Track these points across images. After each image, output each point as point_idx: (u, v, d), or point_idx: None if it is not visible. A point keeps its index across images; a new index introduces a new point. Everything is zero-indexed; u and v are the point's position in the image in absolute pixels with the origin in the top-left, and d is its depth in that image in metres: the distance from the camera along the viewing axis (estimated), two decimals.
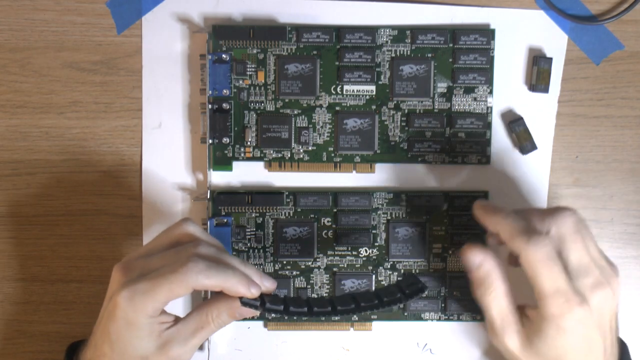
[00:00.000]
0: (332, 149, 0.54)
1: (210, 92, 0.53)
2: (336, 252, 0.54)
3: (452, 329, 0.55)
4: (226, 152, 0.54)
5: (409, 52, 0.54)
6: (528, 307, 0.47)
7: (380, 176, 0.55)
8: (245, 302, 0.45)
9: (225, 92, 0.53)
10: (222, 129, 0.53)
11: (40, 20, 0.54)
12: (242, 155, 0.54)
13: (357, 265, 0.54)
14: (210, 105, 0.53)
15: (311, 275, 0.54)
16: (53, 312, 0.55)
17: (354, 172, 0.54)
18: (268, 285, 0.47)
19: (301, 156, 0.54)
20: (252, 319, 0.54)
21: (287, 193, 0.54)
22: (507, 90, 0.54)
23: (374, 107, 0.54)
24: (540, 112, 0.55)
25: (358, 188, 0.55)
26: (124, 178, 0.55)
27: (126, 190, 0.55)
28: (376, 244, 0.54)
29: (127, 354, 0.44)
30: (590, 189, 0.56)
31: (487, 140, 0.54)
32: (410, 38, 0.53)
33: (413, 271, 0.54)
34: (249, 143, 0.54)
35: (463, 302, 0.54)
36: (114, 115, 0.54)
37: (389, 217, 0.54)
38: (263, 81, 0.53)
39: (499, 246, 0.48)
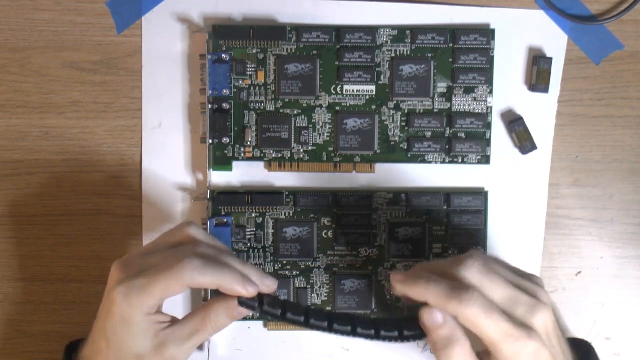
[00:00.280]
0: (332, 149, 0.54)
1: (210, 92, 0.53)
2: (336, 252, 0.54)
3: None
4: (226, 152, 0.54)
5: (409, 52, 0.54)
6: (484, 354, 0.46)
7: (380, 176, 0.55)
8: (242, 301, 0.45)
9: (225, 92, 0.53)
10: (222, 129, 0.53)
11: (40, 20, 0.54)
12: (242, 155, 0.54)
13: (357, 265, 0.54)
14: (210, 105, 0.53)
15: (311, 275, 0.54)
16: (53, 312, 0.55)
17: (354, 172, 0.54)
18: (269, 284, 0.47)
19: (301, 156, 0.54)
20: (252, 318, 0.55)
21: (287, 193, 0.54)
22: (507, 90, 0.54)
23: (374, 107, 0.54)
24: (540, 112, 0.55)
25: (358, 188, 0.55)
26: (124, 178, 0.55)
27: (126, 190, 0.55)
28: (376, 244, 0.54)
29: (123, 352, 0.44)
30: (590, 189, 0.56)
31: (487, 140, 0.54)
32: (410, 38, 0.53)
33: None
34: (249, 143, 0.54)
35: None
36: (114, 115, 0.54)
37: (389, 217, 0.54)
38: (263, 81, 0.53)
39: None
